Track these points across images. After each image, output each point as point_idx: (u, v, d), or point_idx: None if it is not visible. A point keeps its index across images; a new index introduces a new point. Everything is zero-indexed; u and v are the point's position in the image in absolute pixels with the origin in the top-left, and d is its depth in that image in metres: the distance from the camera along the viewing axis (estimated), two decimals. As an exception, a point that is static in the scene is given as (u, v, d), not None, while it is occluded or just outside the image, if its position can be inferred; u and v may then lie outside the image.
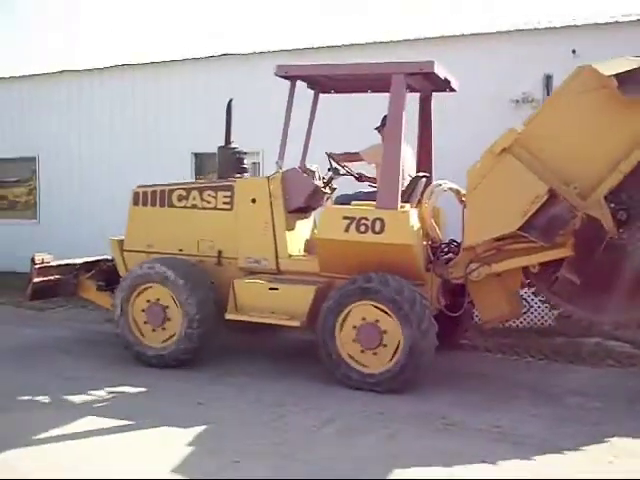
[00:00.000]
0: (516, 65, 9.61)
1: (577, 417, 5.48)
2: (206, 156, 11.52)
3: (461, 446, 4.76)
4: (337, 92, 7.45)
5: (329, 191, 7.15)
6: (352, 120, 9.64)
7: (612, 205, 6.07)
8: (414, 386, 5.99)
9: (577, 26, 9.58)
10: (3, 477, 4.24)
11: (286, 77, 6.73)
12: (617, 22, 9.43)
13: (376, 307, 6.02)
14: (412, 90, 6.74)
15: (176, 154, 11.66)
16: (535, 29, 9.76)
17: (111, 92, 12.60)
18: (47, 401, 5.67)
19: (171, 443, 4.76)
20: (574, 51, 9.31)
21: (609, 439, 4.97)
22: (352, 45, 10.46)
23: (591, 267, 6.12)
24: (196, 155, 11.91)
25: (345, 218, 6.23)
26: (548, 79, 9.66)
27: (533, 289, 6.74)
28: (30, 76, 13.42)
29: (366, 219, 6.16)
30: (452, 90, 7.07)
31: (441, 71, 6.41)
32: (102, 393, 5.88)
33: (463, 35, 9.99)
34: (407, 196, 6.65)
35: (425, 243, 6.50)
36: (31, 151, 13.37)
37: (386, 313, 5.97)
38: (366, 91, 7.26)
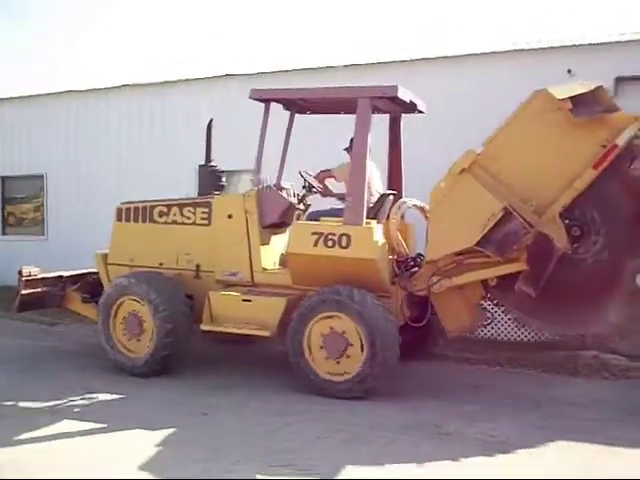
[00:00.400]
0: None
1: (574, 428, 5.61)
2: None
3: (456, 454, 4.92)
4: (312, 113, 7.79)
5: (303, 207, 7.47)
6: (325, 140, 9.84)
7: (567, 221, 6.35)
8: (412, 397, 6.33)
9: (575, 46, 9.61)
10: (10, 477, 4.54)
11: (260, 100, 7.09)
12: (611, 42, 9.43)
13: (340, 319, 6.31)
14: (380, 112, 7.08)
15: (181, 169, 11.96)
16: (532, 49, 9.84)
17: (118, 111, 13.07)
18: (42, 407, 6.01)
19: (176, 450, 4.97)
20: (569, 70, 9.41)
21: (606, 447, 5.16)
22: (352, 65, 10.73)
23: (549, 281, 6.40)
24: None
25: (314, 234, 6.55)
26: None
27: (495, 302, 7.02)
28: (37, 96, 13.94)
29: (333, 234, 6.48)
30: (420, 112, 7.38)
31: (405, 95, 6.73)
32: (114, 403, 6.20)
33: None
34: (375, 212, 6.98)
35: (391, 257, 6.79)
36: (40, 169, 13.86)
37: (352, 323, 6.25)
38: (339, 112, 7.59)
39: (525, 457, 4.98)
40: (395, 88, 6.56)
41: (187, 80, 12.38)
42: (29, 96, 14.09)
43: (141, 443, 5.11)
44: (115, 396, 6.34)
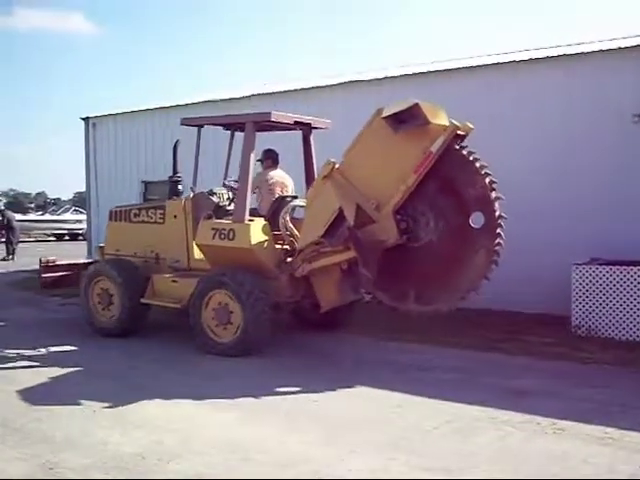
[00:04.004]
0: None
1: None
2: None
3: (568, 449, 5.04)
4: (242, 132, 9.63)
5: (232, 208, 9.38)
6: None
7: (398, 216, 7.72)
8: (528, 394, 6.50)
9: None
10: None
11: (188, 125, 9.17)
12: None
13: (226, 294, 8.20)
14: (265, 130, 8.95)
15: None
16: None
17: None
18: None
19: (290, 436, 5.39)
20: None
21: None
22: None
23: (396, 264, 7.82)
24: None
25: (212, 229, 8.50)
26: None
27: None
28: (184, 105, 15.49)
29: (224, 229, 8.39)
30: (316, 128, 9.06)
31: (283, 118, 8.49)
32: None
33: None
34: (271, 212, 8.74)
35: (279, 247, 8.54)
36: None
37: (232, 299, 8.13)
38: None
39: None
40: (269, 114, 8.33)
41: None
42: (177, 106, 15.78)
43: (269, 433, 5.53)
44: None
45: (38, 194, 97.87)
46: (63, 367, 7.58)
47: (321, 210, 8.00)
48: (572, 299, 9.17)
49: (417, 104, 7.40)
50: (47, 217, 35.97)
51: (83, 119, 18.24)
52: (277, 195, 8.99)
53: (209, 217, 8.74)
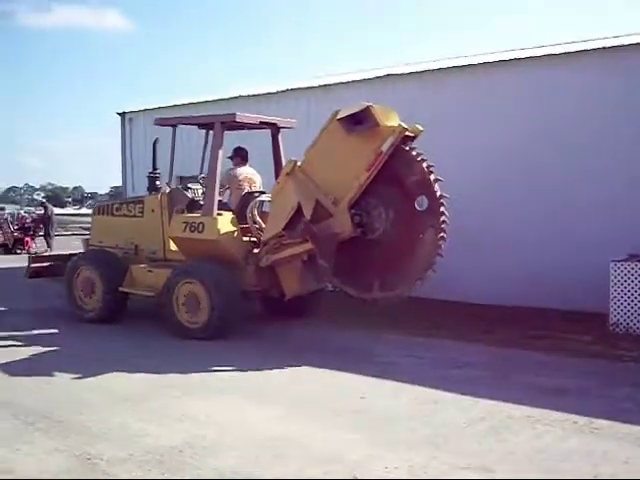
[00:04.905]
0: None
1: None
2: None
3: (608, 449, 4.95)
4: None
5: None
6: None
7: (353, 211, 8.30)
8: (565, 393, 6.41)
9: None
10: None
11: (162, 125, 9.78)
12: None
13: (194, 284, 8.81)
14: (233, 129, 9.54)
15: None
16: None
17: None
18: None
19: (332, 432, 5.36)
20: None
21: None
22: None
23: (353, 259, 8.40)
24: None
25: (184, 222, 9.13)
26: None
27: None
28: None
29: (194, 222, 9.00)
30: (283, 128, 9.66)
31: (246, 118, 9.08)
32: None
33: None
34: (240, 207, 9.34)
35: (247, 240, 9.14)
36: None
37: (199, 288, 8.75)
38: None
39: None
40: (234, 115, 8.94)
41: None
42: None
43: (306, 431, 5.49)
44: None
45: (75, 188, 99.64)
46: (103, 361, 7.63)
47: (283, 205, 8.60)
48: (610, 296, 9.11)
49: (368, 107, 7.96)
50: (84, 211, 36.56)
51: (120, 114, 18.47)
52: (246, 190, 9.58)
53: (181, 211, 9.35)
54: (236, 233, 9.03)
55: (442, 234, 7.98)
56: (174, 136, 9.83)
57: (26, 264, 11.15)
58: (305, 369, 7.44)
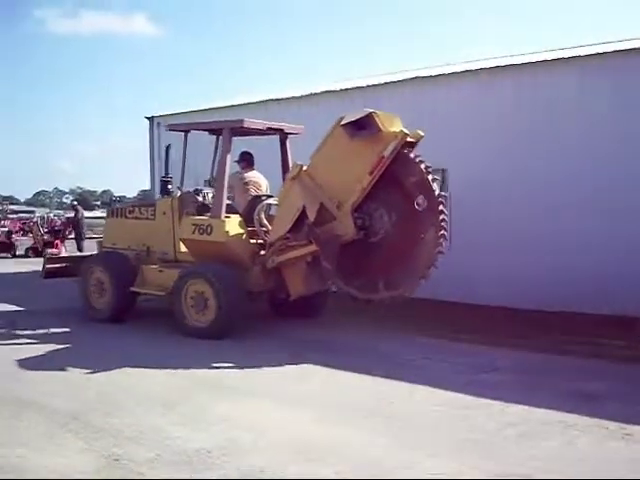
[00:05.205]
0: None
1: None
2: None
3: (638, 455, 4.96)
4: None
5: (215, 205, 10.28)
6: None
7: (356, 214, 8.55)
8: (598, 398, 6.29)
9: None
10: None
11: (173, 130, 10.10)
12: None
13: (202, 284, 9.09)
14: (242, 135, 9.84)
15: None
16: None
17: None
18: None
19: (363, 437, 5.37)
20: None
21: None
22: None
23: (358, 262, 8.64)
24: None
25: (193, 224, 9.42)
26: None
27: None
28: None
29: (203, 225, 9.30)
30: (290, 134, 9.96)
31: (253, 124, 9.37)
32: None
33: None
34: (248, 210, 9.62)
35: (254, 242, 9.41)
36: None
37: (207, 287, 9.03)
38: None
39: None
40: (242, 121, 9.24)
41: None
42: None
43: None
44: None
45: (104, 192, 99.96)
46: (130, 361, 7.73)
47: (288, 208, 8.88)
48: None
49: (370, 114, 8.24)
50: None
51: (148, 118, 18.57)
52: (251, 194, 9.87)
53: (191, 214, 9.65)
54: (243, 235, 9.31)
55: (442, 232, 8.22)
56: (186, 141, 10.14)
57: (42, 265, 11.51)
58: (334, 372, 7.41)
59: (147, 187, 21.33)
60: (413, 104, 12.17)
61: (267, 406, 6.24)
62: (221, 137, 9.88)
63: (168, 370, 7.41)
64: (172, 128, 10.19)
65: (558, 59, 11.18)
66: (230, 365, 7.68)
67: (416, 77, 13.03)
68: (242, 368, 7.53)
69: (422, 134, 8.42)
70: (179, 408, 6.14)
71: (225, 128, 9.43)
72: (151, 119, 18.57)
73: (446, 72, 12.64)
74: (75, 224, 22.25)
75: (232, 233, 9.19)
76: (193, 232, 9.40)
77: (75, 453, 5.06)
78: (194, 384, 6.96)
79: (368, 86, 13.53)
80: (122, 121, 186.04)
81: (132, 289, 10.04)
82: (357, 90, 13.66)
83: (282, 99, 15.05)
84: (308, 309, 10.24)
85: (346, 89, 13.97)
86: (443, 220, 8.21)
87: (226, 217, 9.26)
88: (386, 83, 13.36)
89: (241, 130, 9.54)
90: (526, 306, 10.64)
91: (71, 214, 23.92)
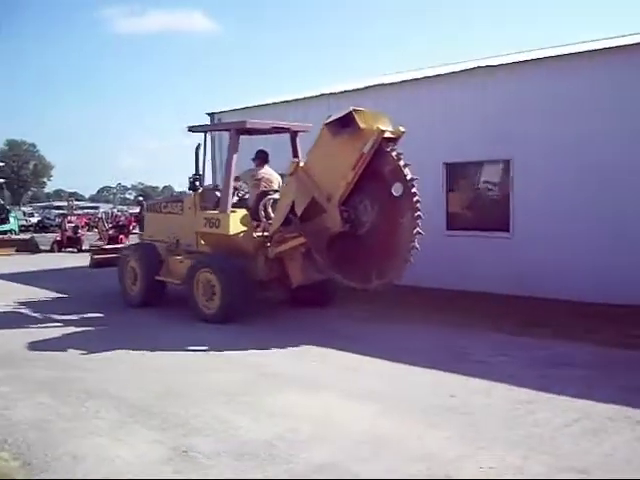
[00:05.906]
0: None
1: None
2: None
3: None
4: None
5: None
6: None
7: (343, 207, 9.02)
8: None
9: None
10: None
11: (194, 132, 10.95)
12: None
13: (210, 273, 9.89)
14: (250, 134, 10.47)
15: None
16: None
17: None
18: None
19: (427, 431, 5.35)
20: None
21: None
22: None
23: (351, 255, 9.12)
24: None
25: (205, 218, 10.24)
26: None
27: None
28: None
29: (213, 219, 10.09)
30: (299, 131, 10.56)
31: (257, 125, 10.02)
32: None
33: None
34: (256, 204, 10.31)
35: (259, 234, 10.09)
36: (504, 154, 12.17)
37: (213, 276, 9.82)
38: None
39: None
40: (245, 122, 9.92)
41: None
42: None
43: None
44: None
45: (165, 187, 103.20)
46: (194, 351, 8.15)
47: (283, 202, 9.49)
48: None
49: (350, 112, 8.66)
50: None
51: (209, 114, 18.63)
52: (262, 189, 10.55)
53: (205, 208, 10.47)
54: (247, 228, 10.00)
55: (417, 213, 8.48)
56: (205, 141, 10.97)
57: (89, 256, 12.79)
58: (396, 366, 7.41)
59: (209, 182, 22.08)
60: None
61: (330, 399, 6.26)
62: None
63: (224, 358, 7.82)
64: (192, 130, 11.04)
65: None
66: (295, 358, 7.90)
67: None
68: (297, 360, 7.75)
69: (403, 130, 8.73)
70: (240, 398, 6.28)
71: (231, 129, 10.16)
72: (212, 115, 19.00)
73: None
74: (140, 219, 23.49)
75: (237, 226, 9.91)
76: (204, 225, 10.22)
77: (146, 443, 5.18)
78: (246, 370, 7.27)
79: (437, 75, 13.38)
80: (186, 118, 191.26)
81: (157, 278, 11.00)
82: (424, 80, 13.58)
83: (339, 93, 14.75)
84: (320, 298, 10.79)
85: (399, 82, 13.91)
86: (417, 201, 8.46)
87: (232, 212, 9.99)
88: (461, 71, 12.98)
89: (247, 130, 10.22)
90: (598, 299, 10.48)
91: (136, 209, 24.85)
